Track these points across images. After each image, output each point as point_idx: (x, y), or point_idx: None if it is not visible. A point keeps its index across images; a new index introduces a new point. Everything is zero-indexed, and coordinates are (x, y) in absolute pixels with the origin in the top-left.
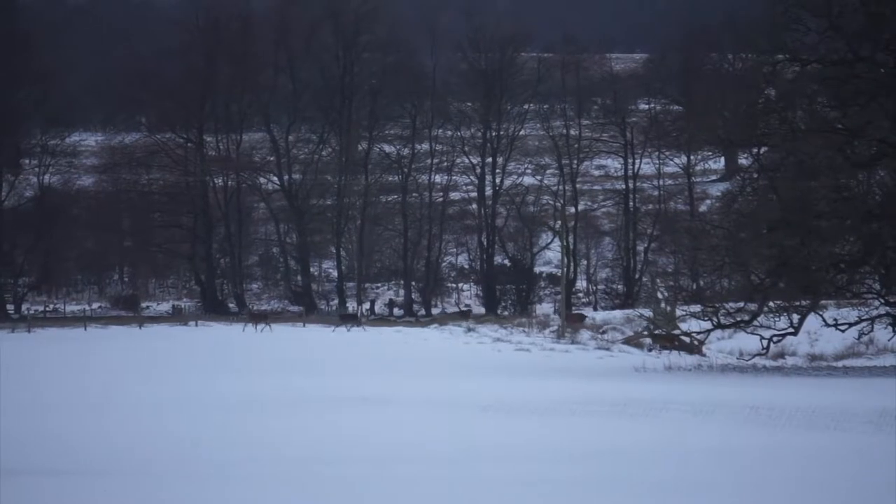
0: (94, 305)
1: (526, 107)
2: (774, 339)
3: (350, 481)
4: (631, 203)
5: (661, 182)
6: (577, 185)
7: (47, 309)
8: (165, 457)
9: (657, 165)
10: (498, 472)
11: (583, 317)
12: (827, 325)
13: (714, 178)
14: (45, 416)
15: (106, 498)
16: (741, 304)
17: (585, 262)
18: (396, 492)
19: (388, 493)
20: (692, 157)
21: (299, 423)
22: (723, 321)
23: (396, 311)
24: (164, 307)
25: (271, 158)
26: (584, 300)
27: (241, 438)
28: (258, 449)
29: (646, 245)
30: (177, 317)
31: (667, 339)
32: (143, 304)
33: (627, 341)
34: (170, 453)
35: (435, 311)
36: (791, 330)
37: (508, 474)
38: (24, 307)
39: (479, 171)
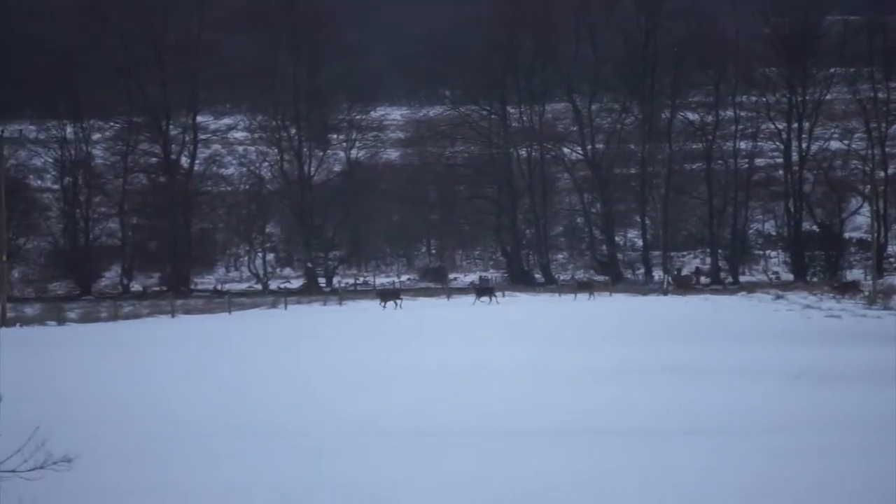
0: (403, 278)
1: (832, 70)
2: None
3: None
4: None
5: None
6: (886, 149)
7: (357, 282)
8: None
9: None
10: (813, 441)
11: (856, 284)
12: None
13: None
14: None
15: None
16: None
17: None
18: (709, 464)
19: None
20: None
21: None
22: None
23: (703, 279)
24: (471, 278)
25: (574, 128)
26: (895, 265)
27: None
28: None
29: None
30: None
31: None
32: (451, 276)
33: None
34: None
35: (742, 278)
36: None
37: (826, 442)
38: (335, 280)
39: (784, 136)
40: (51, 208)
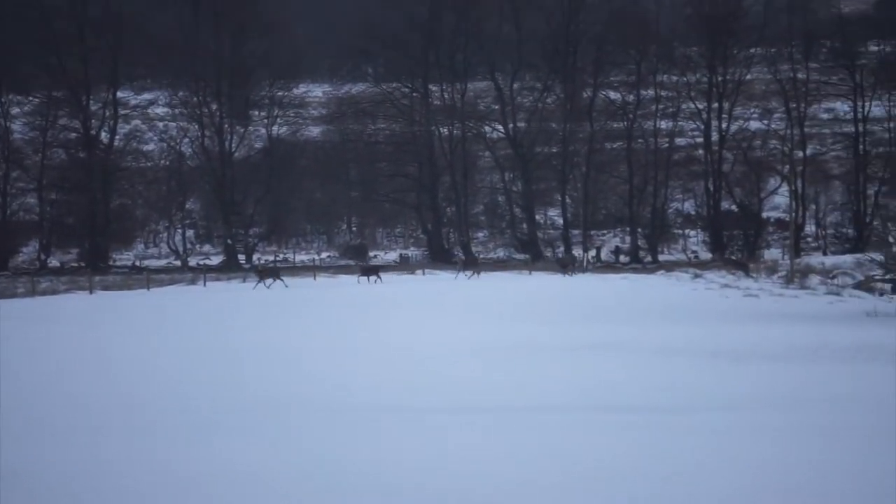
0: (323, 255)
1: (752, 51)
2: None
3: (566, 427)
4: (861, 146)
5: (892, 125)
6: (805, 129)
7: (277, 259)
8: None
9: (888, 108)
10: (727, 420)
11: (745, 263)
12: None
13: None
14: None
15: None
16: None
17: (814, 207)
18: (619, 438)
19: (607, 439)
20: None
21: (539, 370)
22: None
23: (622, 258)
24: (392, 256)
25: (496, 107)
26: (812, 245)
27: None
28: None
29: (876, 189)
30: (404, 265)
31: None
32: (371, 254)
33: (859, 286)
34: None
35: (662, 257)
36: None
37: (738, 421)
38: (254, 257)
39: (704, 116)
40: None
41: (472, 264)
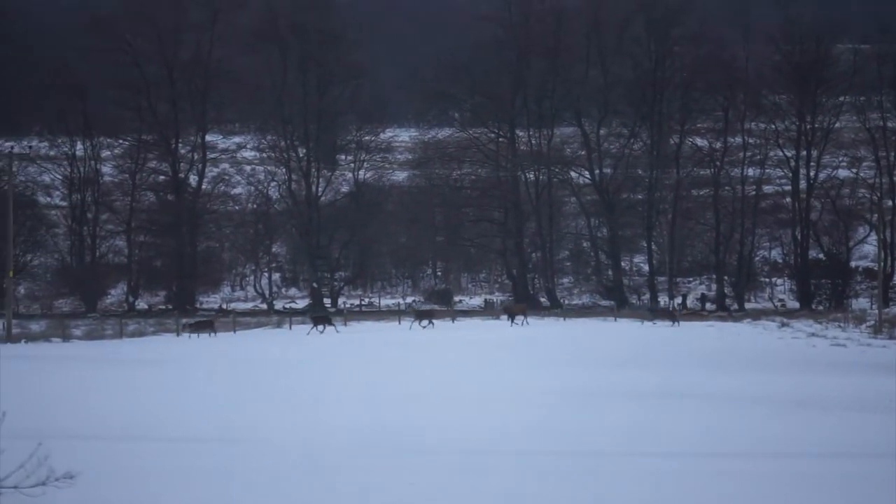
0: (409, 299)
1: (841, 99)
2: None
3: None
4: None
5: None
6: (894, 178)
7: (363, 303)
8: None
9: None
10: (813, 469)
11: (672, 312)
12: None
13: None
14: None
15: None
16: None
17: None
18: (708, 485)
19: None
20: None
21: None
22: None
23: (708, 305)
24: (477, 301)
25: (582, 153)
26: None
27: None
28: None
29: None
30: (488, 310)
31: None
32: (456, 298)
33: None
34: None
35: (748, 305)
36: None
37: (824, 470)
38: (340, 301)
39: (793, 164)
40: (58, 225)
41: (322, 321)
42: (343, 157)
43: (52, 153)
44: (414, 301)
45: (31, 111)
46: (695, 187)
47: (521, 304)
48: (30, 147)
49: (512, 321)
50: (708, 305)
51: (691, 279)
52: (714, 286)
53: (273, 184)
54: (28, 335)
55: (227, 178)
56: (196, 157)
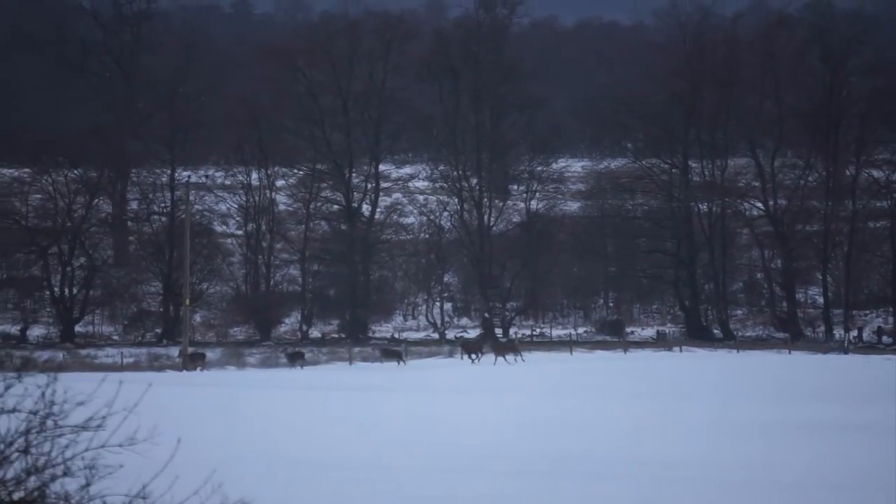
0: (580, 330)
1: None
2: None
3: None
4: None
5: None
6: None
7: (534, 333)
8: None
9: None
10: None
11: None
12: None
13: None
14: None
15: None
16: None
17: None
18: None
19: None
20: None
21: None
22: None
23: (885, 339)
24: (649, 332)
25: (756, 184)
26: None
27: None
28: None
29: None
30: (661, 342)
31: None
32: (628, 330)
33: None
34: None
35: None
36: None
37: None
38: (511, 331)
39: None
40: (234, 254)
41: (393, 355)
42: (515, 186)
43: (227, 182)
44: (586, 331)
45: (207, 140)
46: (871, 219)
47: (479, 339)
48: (206, 176)
49: (471, 359)
50: (884, 339)
51: (868, 312)
52: (891, 319)
53: (445, 213)
54: (204, 363)
55: (399, 207)
56: (369, 186)
